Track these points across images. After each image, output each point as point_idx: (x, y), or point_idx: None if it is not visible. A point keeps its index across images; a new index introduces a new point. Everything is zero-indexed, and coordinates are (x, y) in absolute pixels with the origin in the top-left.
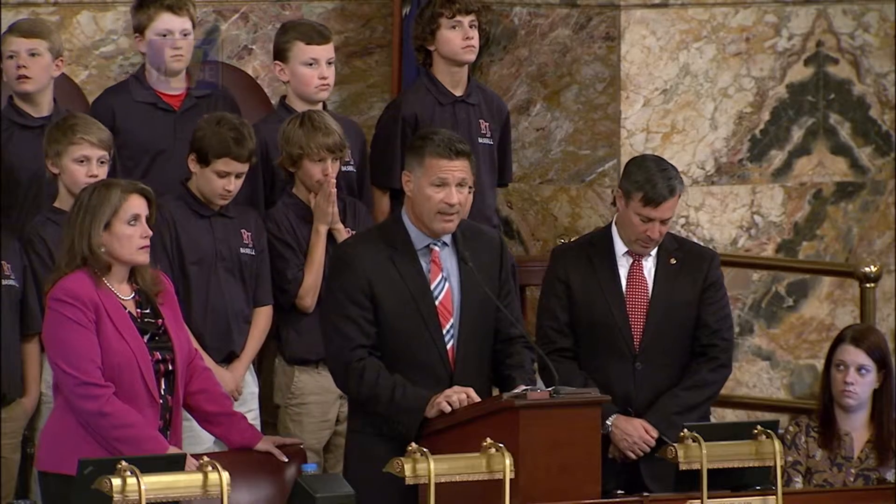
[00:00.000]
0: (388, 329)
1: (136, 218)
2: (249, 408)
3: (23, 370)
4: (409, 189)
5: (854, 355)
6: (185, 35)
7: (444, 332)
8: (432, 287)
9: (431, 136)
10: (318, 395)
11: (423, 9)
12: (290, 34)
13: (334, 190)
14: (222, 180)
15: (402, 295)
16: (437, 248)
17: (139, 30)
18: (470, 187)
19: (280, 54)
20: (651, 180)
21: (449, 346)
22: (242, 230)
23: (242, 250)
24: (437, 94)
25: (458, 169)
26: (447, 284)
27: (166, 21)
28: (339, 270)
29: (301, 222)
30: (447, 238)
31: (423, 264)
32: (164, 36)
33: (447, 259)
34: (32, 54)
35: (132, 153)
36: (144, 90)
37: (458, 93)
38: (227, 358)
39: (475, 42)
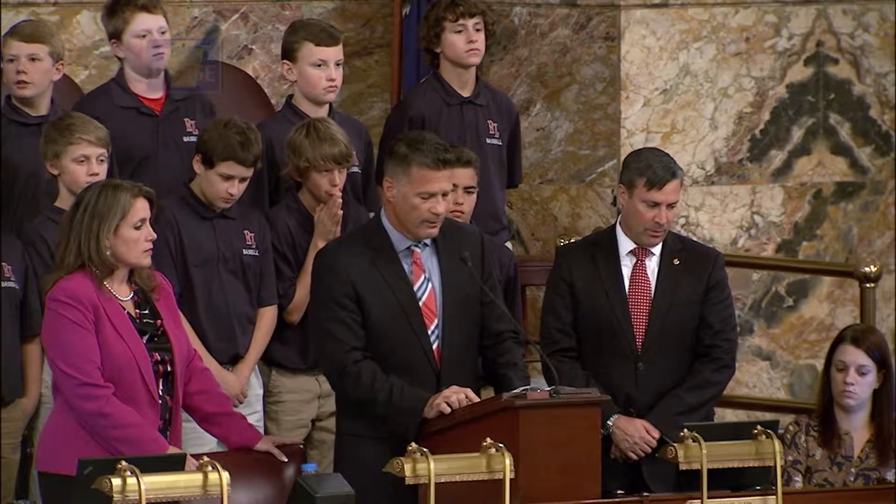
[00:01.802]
0: (373, 332)
1: (142, 221)
2: (253, 409)
3: (23, 371)
4: (390, 195)
5: (854, 355)
6: (162, 33)
7: (429, 332)
8: (415, 288)
9: (418, 146)
10: (294, 395)
11: (428, 10)
12: (300, 34)
13: (340, 212)
14: (226, 184)
15: (386, 298)
16: (417, 250)
17: (116, 35)
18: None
19: (288, 54)
20: (651, 165)
21: (434, 347)
22: (245, 231)
23: (245, 251)
24: (444, 95)
25: (445, 179)
26: (430, 285)
27: (143, 21)
28: (322, 276)
29: (301, 231)
30: (427, 238)
31: (405, 266)
32: (143, 36)
33: (428, 260)
34: (32, 59)
35: (117, 158)
36: (126, 95)
37: (466, 94)
38: (233, 360)
39: (479, 45)
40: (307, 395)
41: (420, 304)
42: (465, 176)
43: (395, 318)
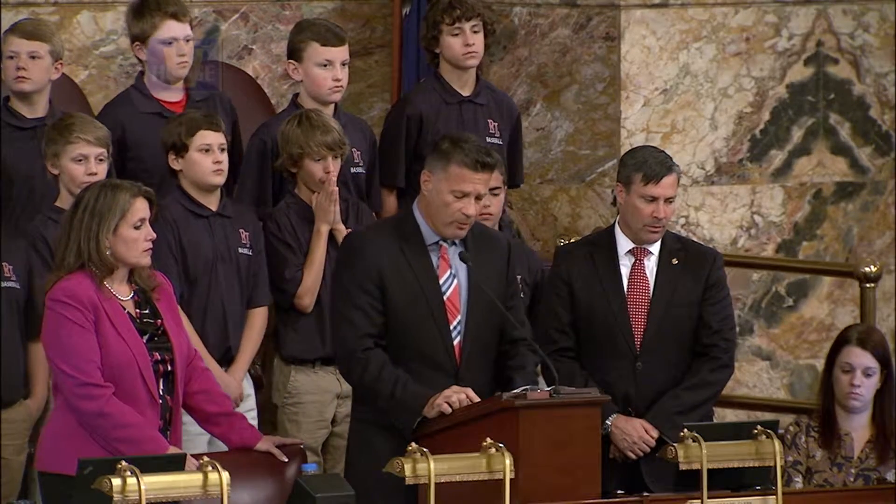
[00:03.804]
0: (395, 319)
1: (142, 221)
2: (247, 408)
3: (29, 372)
4: (426, 189)
5: (860, 357)
6: (187, 41)
7: (451, 327)
8: (440, 282)
9: (461, 144)
10: (314, 395)
11: (428, 11)
12: (306, 34)
13: (336, 189)
14: (209, 156)
15: (411, 286)
16: (445, 245)
17: (141, 38)
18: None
19: (294, 53)
20: (647, 160)
21: (456, 342)
22: (241, 230)
23: (240, 250)
24: (443, 93)
25: (481, 182)
26: (455, 281)
27: (171, 29)
28: (349, 258)
29: (302, 223)
30: (455, 239)
31: (433, 259)
32: (170, 44)
33: (455, 257)
34: (33, 57)
35: (146, 166)
36: (147, 100)
37: (466, 93)
38: (225, 355)
39: (477, 48)
40: (327, 396)
41: (444, 297)
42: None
43: (419, 308)
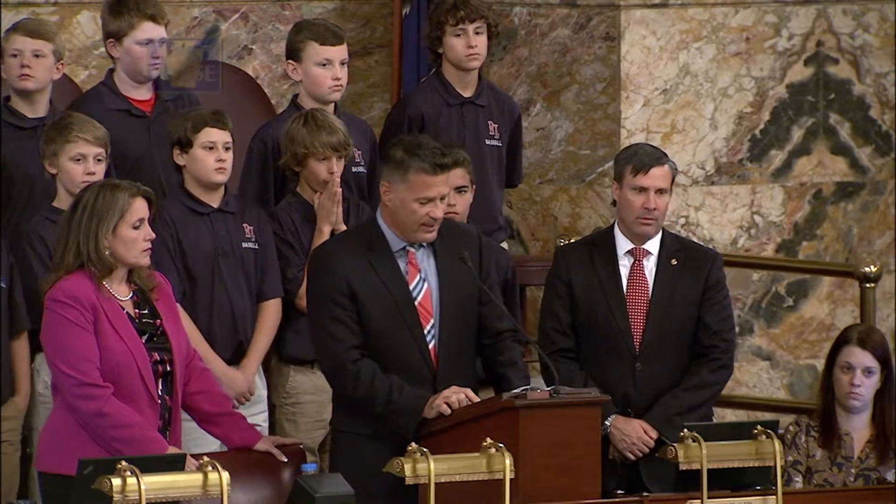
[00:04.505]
0: (369, 330)
1: (141, 221)
2: (259, 410)
3: (12, 368)
4: (388, 199)
5: (861, 357)
6: (162, 43)
7: (426, 332)
8: (411, 287)
9: (415, 151)
10: (312, 395)
11: (432, 10)
12: (305, 34)
13: (339, 189)
14: (212, 153)
15: (382, 296)
16: (412, 250)
17: (116, 36)
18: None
19: (293, 53)
20: (637, 153)
21: (431, 346)
22: (244, 224)
23: (245, 245)
24: (445, 94)
25: (443, 183)
26: (426, 285)
27: (148, 30)
28: (317, 274)
29: (304, 222)
30: (425, 242)
31: (401, 266)
32: (145, 45)
33: (424, 260)
34: (37, 55)
35: (113, 162)
36: (117, 98)
37: (468, 94)
38: (236, 353)
39: (480, 50)
40: (325, 396)
41: (416, 303)
42: (456, 176)
43: (391, 317)
